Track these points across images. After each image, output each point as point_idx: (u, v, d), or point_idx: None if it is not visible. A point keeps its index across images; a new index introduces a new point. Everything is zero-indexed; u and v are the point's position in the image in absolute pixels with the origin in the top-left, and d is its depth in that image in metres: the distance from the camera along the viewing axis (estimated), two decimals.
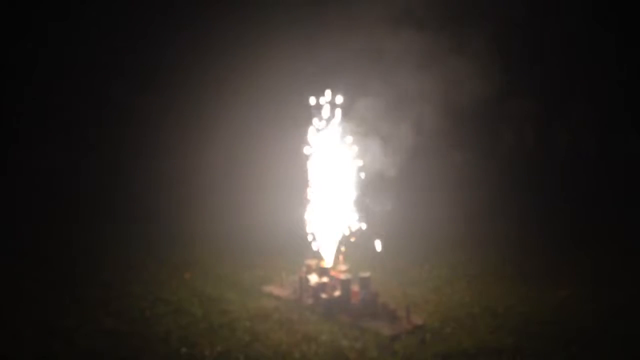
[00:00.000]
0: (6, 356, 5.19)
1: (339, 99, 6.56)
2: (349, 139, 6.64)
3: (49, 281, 6.77)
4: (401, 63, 7.03)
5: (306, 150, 6.67)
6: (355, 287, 6.21)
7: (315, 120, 6.63)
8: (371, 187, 6.75)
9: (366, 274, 6.22)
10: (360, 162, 6.68)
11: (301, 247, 6.95)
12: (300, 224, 6.85)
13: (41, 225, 8.77)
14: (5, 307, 6.10)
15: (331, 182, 6.67)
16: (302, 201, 6.81)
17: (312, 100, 6.58)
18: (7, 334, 5.53)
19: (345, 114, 6.62)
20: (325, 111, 6.60)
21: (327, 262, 6.68)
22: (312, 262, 6.62)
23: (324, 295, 6.18)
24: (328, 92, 6.58)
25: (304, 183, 6.78)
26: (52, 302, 6.24)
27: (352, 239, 6.74)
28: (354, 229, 6.72)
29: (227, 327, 5.79)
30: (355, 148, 6.66)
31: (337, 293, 6.18)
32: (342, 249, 6.71)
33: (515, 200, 10.50)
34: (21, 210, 9.40)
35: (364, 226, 6.71)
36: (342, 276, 6.29)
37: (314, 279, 6.42)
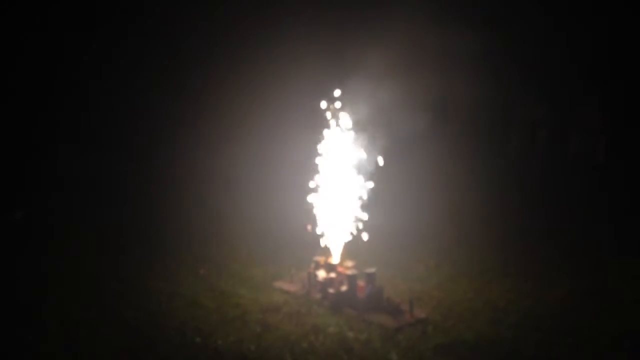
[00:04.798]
0: (31, 345, 5.54)
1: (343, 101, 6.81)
2: (356, 136, 6.88)
3: (72, 278, 7.11)
4: (412, 64, 7.25)
5: (316, 143, 6.92)
6: (361, 282, 6.48)
7: (325, 118, 6.88)
8: (377, 186, 7.00)
9: (372, 270, 6.48)
10: (367, 159, 6.92)
11: (310, 243, 7.23)
12: (309, 221, 7.14)
13: (63, 228, 9.07)
14: (32, 302, 6.45)
15: (338, 179, 6.94)
16: (310, 199, 7.09)
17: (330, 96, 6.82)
18: (34, 326, 5.88)
19: (353, 114, 6.85)
20: (334, 111, 6.86)
21: (335, 258, 6.97)
22: (320, 259, 6.91)
23: (331, 290, 6.46)
24: (337, 92, 6.83)
25: (313, 181, 7.06)
26: (76, 297, 6.58)
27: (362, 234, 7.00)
28: (360, 226, 7.00)
29: (239, 319, 6.10)
30: (362, 145, 6.89)
31: (343, 288, 6.45)
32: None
33: (519, 200, 10.69)
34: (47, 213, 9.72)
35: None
36: (349, 272, 6.56)
37: (321, 274, 6.71)
